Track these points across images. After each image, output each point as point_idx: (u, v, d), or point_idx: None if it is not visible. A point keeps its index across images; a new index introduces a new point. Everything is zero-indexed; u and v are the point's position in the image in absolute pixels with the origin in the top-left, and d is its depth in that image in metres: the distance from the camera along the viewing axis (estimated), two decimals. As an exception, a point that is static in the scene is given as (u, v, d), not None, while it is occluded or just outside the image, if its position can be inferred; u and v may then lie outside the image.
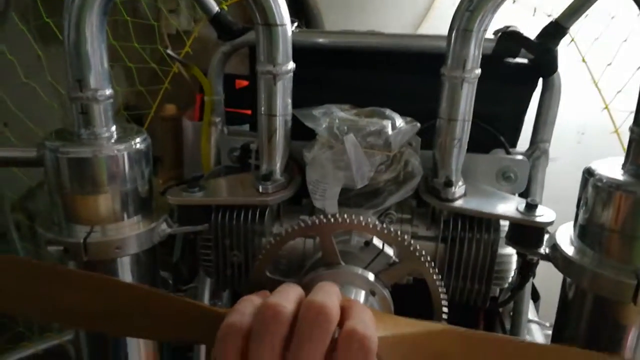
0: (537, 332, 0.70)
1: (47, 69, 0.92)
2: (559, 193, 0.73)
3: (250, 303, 0.33)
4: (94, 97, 0.51)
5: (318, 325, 0.29)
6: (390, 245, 0.52)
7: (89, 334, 0.62)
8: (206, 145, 0.71)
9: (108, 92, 0.52)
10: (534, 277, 0.82)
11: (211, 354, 0.33)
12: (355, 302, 0.34)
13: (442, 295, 0.52)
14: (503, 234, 0.57)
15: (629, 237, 0.47)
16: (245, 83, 0.97)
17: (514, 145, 0.70)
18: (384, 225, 0.48)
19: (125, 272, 0.57)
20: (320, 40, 0.69)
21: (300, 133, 0.60)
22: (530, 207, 0.54)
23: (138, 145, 0.53)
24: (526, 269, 0.59)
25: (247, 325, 0.31)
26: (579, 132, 1.05)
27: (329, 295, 0.32)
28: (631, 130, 0.48)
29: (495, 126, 0.67)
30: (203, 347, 0.79)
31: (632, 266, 0.47)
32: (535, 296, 0.82)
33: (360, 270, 0.50)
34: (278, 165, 0.58)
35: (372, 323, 0.31)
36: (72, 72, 0.50)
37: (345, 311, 0.32)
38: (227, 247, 0.59)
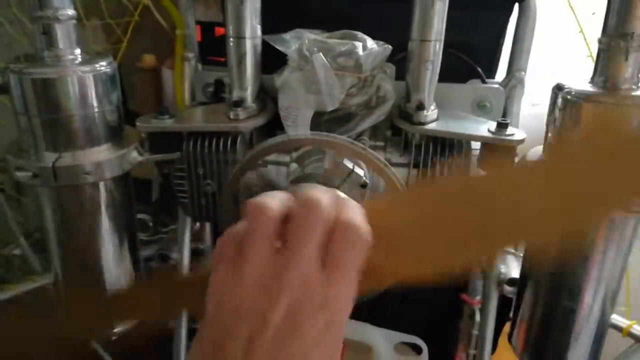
0: (512, 262, 0.71)
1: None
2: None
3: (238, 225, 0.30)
4: (55, 16, 0.50)
5: (313, 216, 0.28)
6: (359, 165, 0.52)
7: (68, 278, 0.62)
8: (179, 81, 0.70)
9: (70, 12, 0.51)
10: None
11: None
12: (347, 198, 0.32)
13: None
14: (475, 159, 0.57)
15: (596, 149, 0.47)
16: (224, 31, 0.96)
17: (492, 75, 0.70)
18: (353, 142, 0.48)
19: (97, 202, 0.57)
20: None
21: (274, 67, 0.59)
22: (501, 127, 0.53)
23: (104, 69, 0.53)
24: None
25: (242, 232, 0.29)
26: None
27: (321, 191, 0.30)
28: (599, 41, 0.48)
29: (472, 56, 0.66)
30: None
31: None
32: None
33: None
34: (249, 91, 0.58)
35: (364, 216, 0.30)
36: (32, -11, 0.49)
37: (338, 206, 0.30)
38: (200, 176, 0.59)
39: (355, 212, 0.30)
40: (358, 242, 0.28)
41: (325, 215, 0.29)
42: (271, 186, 0.59)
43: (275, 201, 0.29)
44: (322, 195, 0.29)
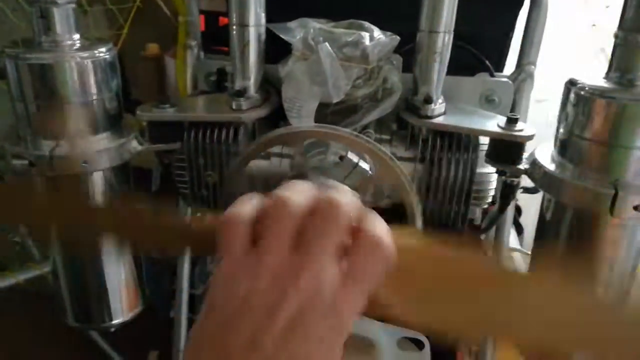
0: (520, 261, 0.70)
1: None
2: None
3: (251, 199, 0.29)
4: (53, -1, 0.48)
5: (334, 219, 0.27)
6: (364, 159, 0.51)
7: (66, 263, 0.61)
8: (181, 70, 0.68)
9: (69, -5, 0.49)
10: (519, 214, 0.82)
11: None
12: (370, 210, 0.30)
13: (417, 212, 0.51)
14: (482, 154, 0.56)
15: (609, 146, 0.46)
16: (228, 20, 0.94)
17: (501, 69, 0.68)
18: (357, 134, 0.47)
19: (96, 192, 0.56)
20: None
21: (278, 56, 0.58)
22: (511, 122, 0.52)
23: (103, 55, 0.51)
24: (506, 192, 0.58)
25: (252, 215, 0.28)
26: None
27: (345, 194, 0.29)
28: (615, 36, 0.46)
29: (481, 48, 0.64)
30: (186, 275, 0.79)
31: (611, 177, 0.46)
32: (519, 229, 0.81)
33: (335, 183, 0.49)
34: (252, 81, 0.56)
35: (388, 232, 0.28)
36: (29, -28, 0.48)
37: (359, 216, 0.29)
38: (201, 167, 0.58)
39: (382, 228, 0.28)
40: (383, 260, 0.27)
41: (348, 218, 0.27)
42: (273, 178, 0.58)
43: (299, 196, 0.28)
44: (346, 197, 0.28)
